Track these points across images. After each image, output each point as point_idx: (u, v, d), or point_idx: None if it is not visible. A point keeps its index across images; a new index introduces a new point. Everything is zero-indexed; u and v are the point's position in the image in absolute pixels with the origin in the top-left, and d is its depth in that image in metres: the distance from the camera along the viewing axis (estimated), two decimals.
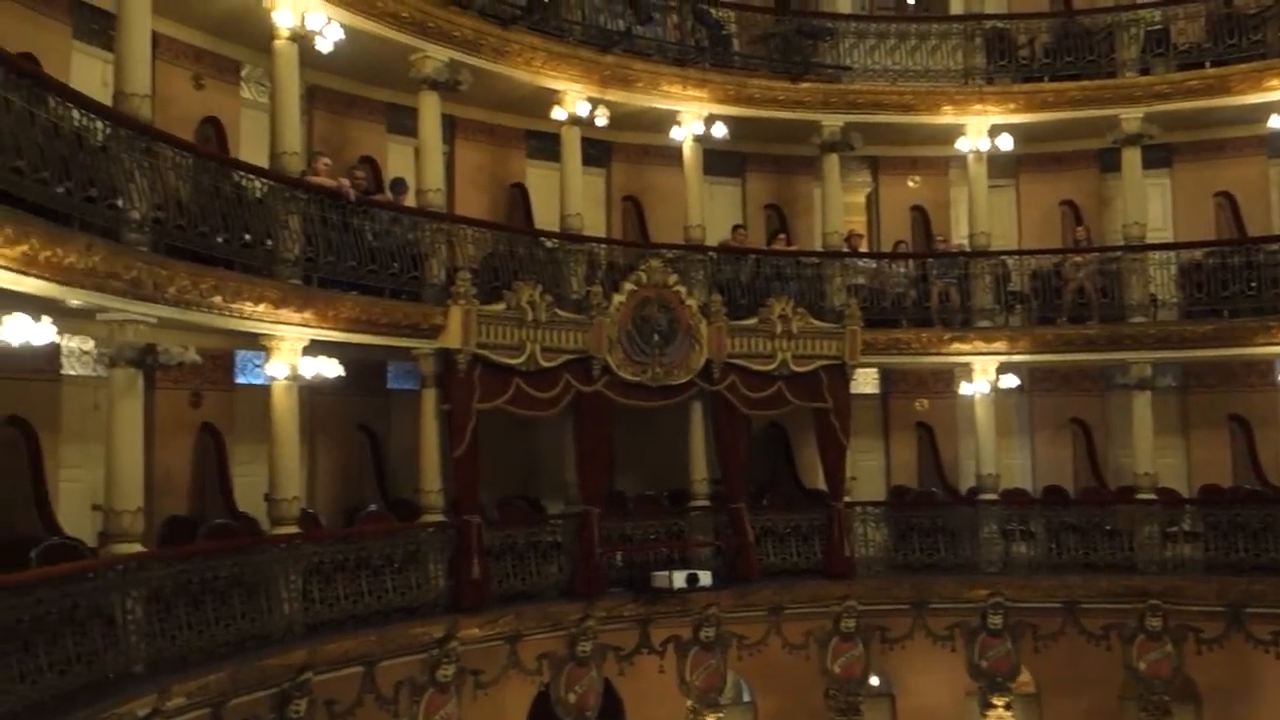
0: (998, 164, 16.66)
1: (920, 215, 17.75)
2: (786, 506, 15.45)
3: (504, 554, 12.90)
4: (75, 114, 8.35)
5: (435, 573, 12.13)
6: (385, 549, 11.72)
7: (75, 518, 10.55)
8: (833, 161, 16.09)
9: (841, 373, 15.05)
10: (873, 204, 18.16)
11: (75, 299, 8.45)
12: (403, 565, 11.86)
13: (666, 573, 13.68)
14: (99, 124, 8.63)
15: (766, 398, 14.74)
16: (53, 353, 10.40)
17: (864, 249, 16.61)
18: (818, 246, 16.35)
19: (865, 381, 16.91)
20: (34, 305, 8.19)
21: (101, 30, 11.02)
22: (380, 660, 11.45)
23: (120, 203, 8.75)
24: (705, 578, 13.82)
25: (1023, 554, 15.45)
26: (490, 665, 12.70)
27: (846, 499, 15.13)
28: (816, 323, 14.94)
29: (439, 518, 12.44)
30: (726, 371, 14.38)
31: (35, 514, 10.05)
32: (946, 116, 16.21)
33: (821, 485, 15.45)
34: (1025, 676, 15.42)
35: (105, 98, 9.67)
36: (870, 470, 17.02)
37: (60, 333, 8.96)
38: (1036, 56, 16.34)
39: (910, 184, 17.88)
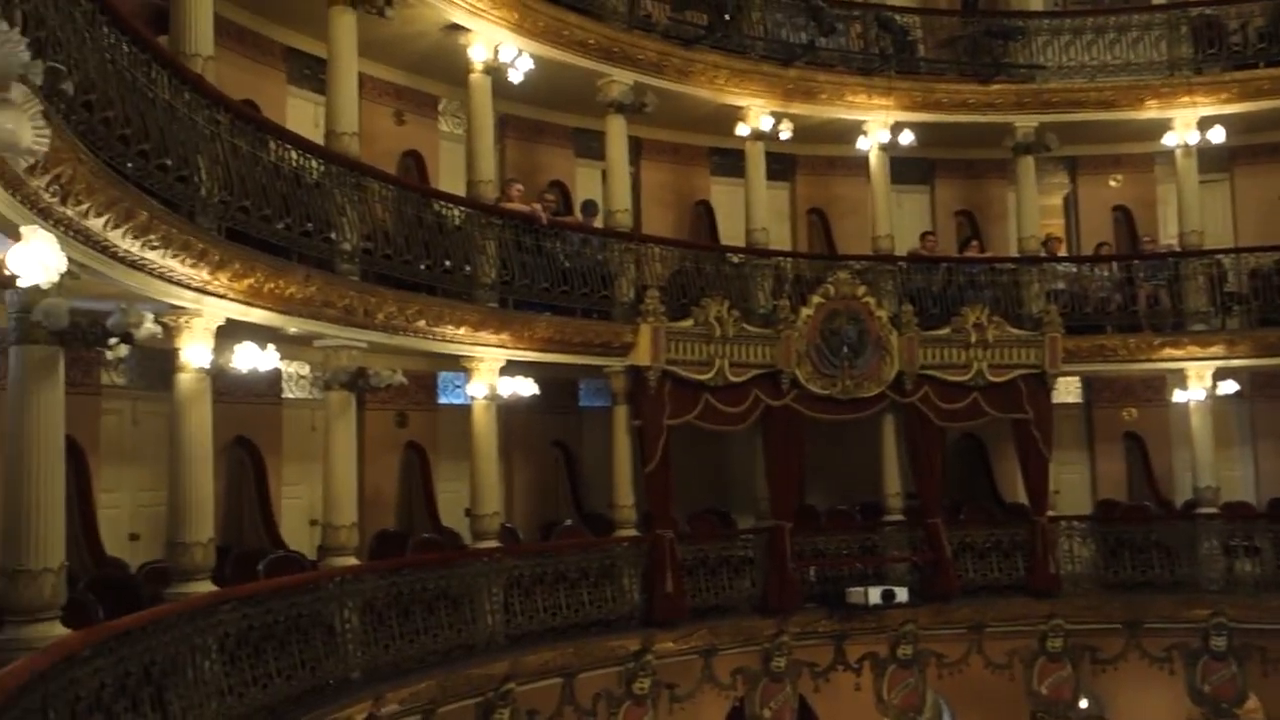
0: (1209, 158, 15.71)
1: (1124, 215, 16.91)
2: (985, 521, 14.95)
3: (696, 568, 12.98)
4: (293, 154, 8.96)
5: (630, 587, 12.32)
6: (581, 563, 11.99)
7: (296, 531, 11.26)
8: (1027, 164, 15.53)
9: (1041, 382, 14.48)
10: (1071, 206, 17.42)
11: (294, 327, 9.06)
12: (598, 579, 12.10)
13: (861, 588, 13.48)
14: (314, 162, 9.23)
15: (962, 409, 14.33)
16: (274, 378, 11.14)
17: (1062, 253, 15.94)
18: (1013, 252, 15.78)
19: (1067, 390, 16.20)
20: (259, 334, 8.81)
21: (312, 75, 11.78)
22: (579, 672, 11.71)
23: (333, 235, 9.32)
24: (901, 594, 13.54)
25: (1248, 572, 14.48)
26: (685, 679, 12.79)
27: (1050, 513, 14.53)
28: (1013, 331, 14.43)
29: (632, 532, 12.64)
30: (919, 383, 14.06)
31: (262, 528, 10.80)
32: (1151, 111, 15.41)
33: (1022, 499, 14.89)
34: (1253, 702, 14.40)
35: (316, 137, 10.34)
36: (1074, 483, 16.27)
37: (281, 358, 9.59)
38: (1250, 42, 15.34)
39: (1112, 183, 17.07)
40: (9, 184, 4.91)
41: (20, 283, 4.30)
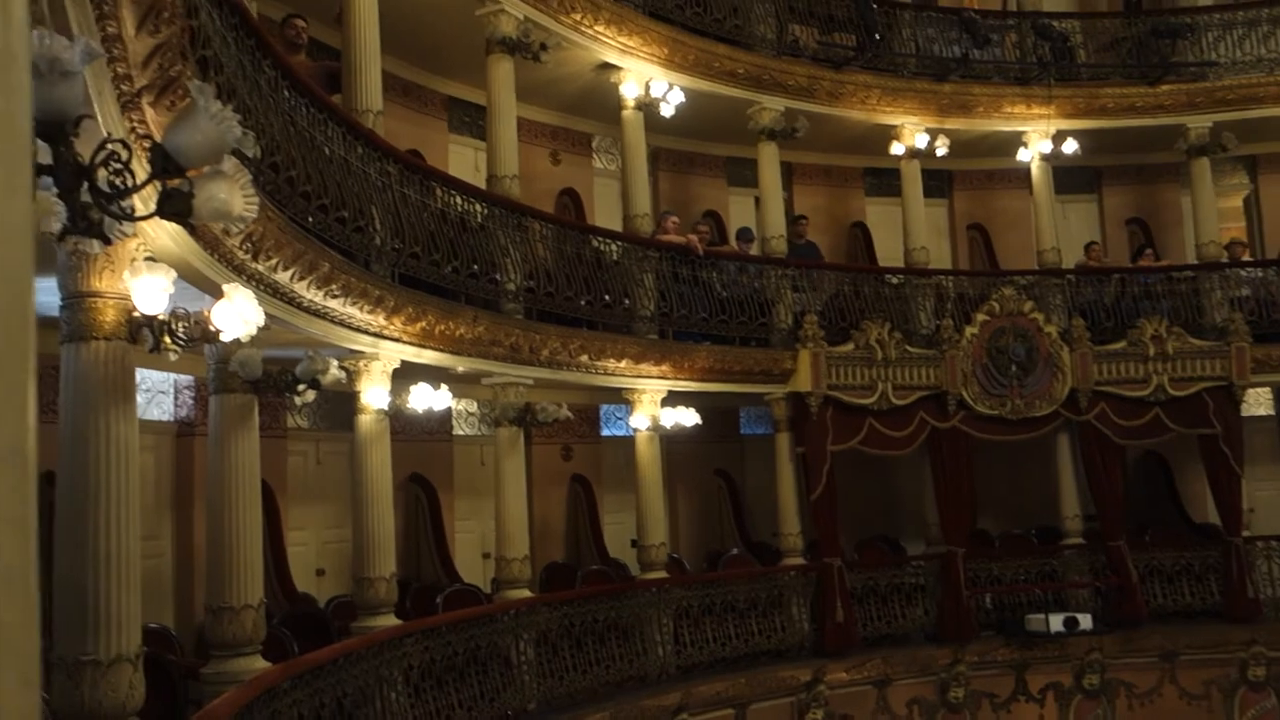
0: None
1: None
2: (1173, 542, 14.18)
3: (866, 596, 12.74)
4: (458, 200, 9.28)
5: (799, 616, 12.18)
6: (749, 592, 11.93)
7: (469, 564, 11.56)
8: (1203, 166, 14.78)
9: (1229, 394, 13.69)
10: (1253, 207, 16.49)
11: (463, 366, 9.34)
12: (766, 609, 12.01)
13: (1041, 615, 12.97)
14: (478, 206, 9.53)
15: (1142, 426, 13.67)
16: (445, 416, 11.50)
17: (1246, 258, 15.07)
18: (1191, 259, 15.02)
19: (1258, 402, 15.28)
20: (430, 374, 9.12)
21: (471, 122, 12.20)
22: (750, 703, 11.61)
23: (498, 276, 9.59)
24: (1085, 621, 12.97)
25: None
26: (859, 710, 12.53)
27: (1245, 533, 13.69)
28: (1195, 341, 13.70)
29: (799, 561, 12.50)
30: (1094, 400, 13.50)
31: (438, 562, 11.13)
32: None
33: (1212, 518, 14.10)
34: None
35: (477, 181, 10.68)
36: (1271, 501, 15.29)
37: (451, 397, 9.90)
38: None
39: None
40: (208, 244, 5.23)
41: (223, 337, 4.57)
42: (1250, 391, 14.13)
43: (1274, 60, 14.65)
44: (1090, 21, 15.44)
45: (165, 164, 2.47)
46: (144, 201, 2.77)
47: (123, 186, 2.53)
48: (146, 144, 3.46)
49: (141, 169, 2.68)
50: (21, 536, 0.79)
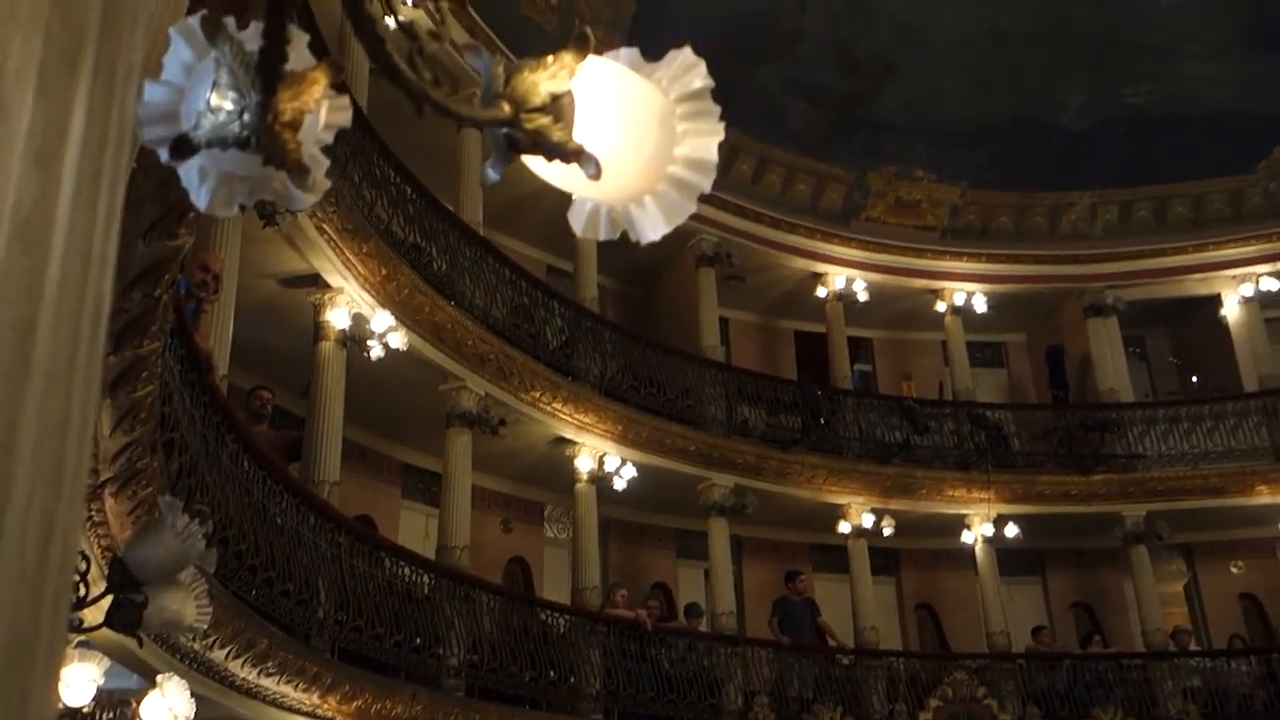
0: None
1: (1253, 604, 16.07)
2: None
3: None
4: (406, 570, 9.15)
5: None
6: None
7: None
8: (1141, 553, 15.06)
9: None
10: (1194, 594, 16.67)
11: None
12: None
13: None
14: (426, 577, 9.39)
15: None
16: None
17: (1194, 645, 15.04)
18: (1139, 646, 14.95)
19: None
20: None
21: (425, 489, 12.29)
22: None
23: (440, 651, 9.28)
24: None
25: None
26: None
27: None
28: None
29: None
30: None
31: None
32: (1263, 497, 15.03)
33: None
34: None
35: (426, 547, 10.59)
36: None
37: None
38: None
39: (1234, 570, 16.39)
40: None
41: None
42: None
43: (1197, 455, 15.34)
44: (1022, 412, 16.25)
45: (124, 578, 2.43)
46: (93, 609, 2.71)
47: (77, 599, 2.47)
48: (104, 546, 3.42)
49: (99, 579, 2.64)
50: None
